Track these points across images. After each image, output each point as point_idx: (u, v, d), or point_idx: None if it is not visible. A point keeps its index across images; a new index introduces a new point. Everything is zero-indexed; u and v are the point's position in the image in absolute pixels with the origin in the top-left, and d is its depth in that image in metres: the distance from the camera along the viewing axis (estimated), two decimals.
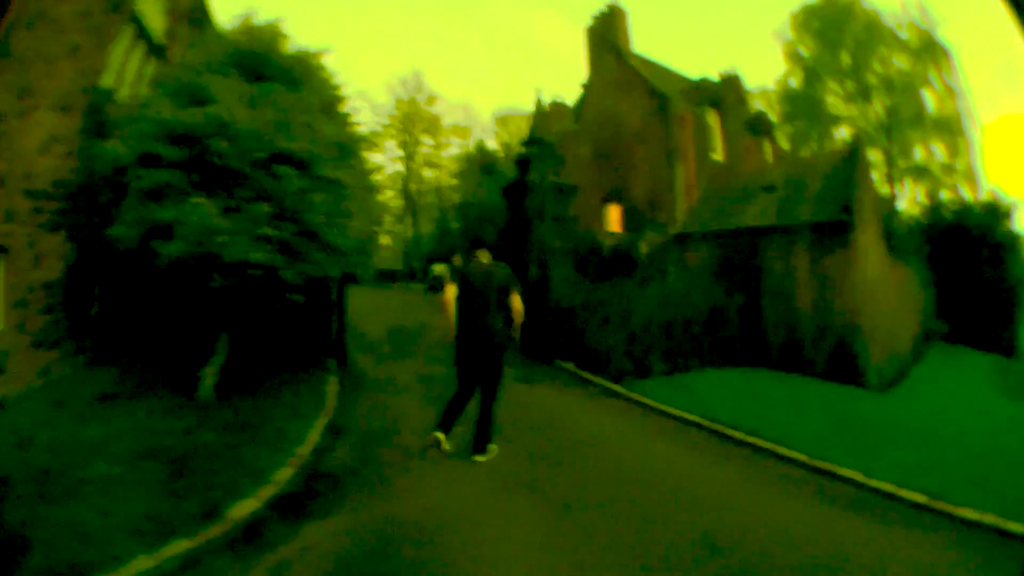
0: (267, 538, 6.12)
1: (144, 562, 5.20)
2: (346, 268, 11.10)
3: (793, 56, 55.10)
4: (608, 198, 29.60)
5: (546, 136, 21.29)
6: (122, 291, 11.98)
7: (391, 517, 6.81)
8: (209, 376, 10.48)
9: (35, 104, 9.83)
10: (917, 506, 7.84)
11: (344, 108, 12.45)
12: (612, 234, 26.64)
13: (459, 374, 9.22)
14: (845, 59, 51.44)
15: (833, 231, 18.84)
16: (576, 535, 6.45)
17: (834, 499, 8.11)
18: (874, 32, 50.23)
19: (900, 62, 49.89)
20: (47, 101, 10.13)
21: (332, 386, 12.63)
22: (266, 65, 10.78)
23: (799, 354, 19.18)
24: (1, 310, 9.38)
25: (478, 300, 8.90)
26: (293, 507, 6.92)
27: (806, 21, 53.75)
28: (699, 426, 11.48)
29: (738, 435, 10.78)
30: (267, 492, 6.98)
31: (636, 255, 22.79)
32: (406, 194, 69.34)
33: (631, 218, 27.90)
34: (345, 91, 12.50)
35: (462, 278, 9.03)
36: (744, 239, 21.34)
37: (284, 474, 7.57)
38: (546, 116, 22.24)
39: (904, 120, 48.69)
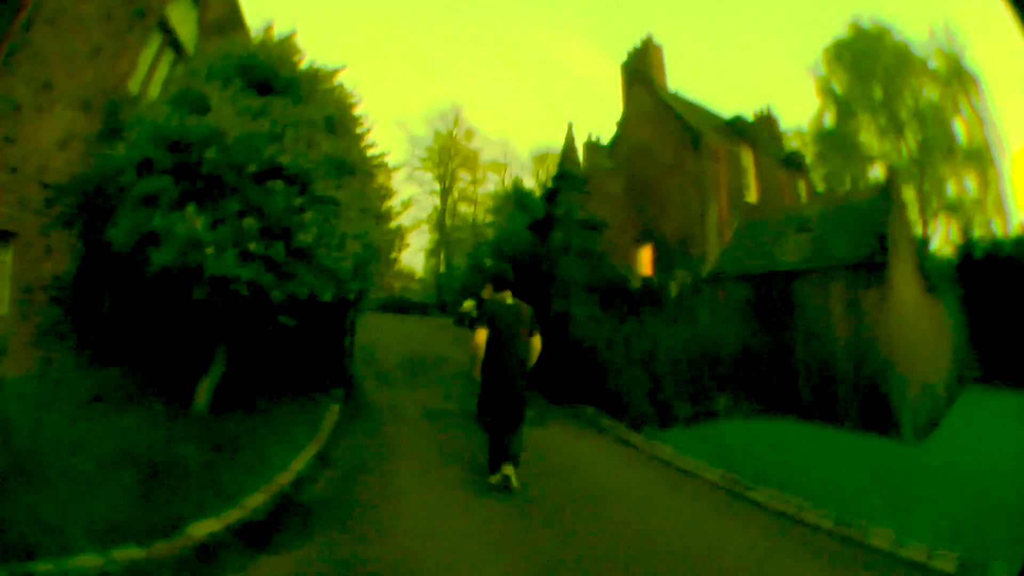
0: (218, 562, 6.03)
1: (92, 559, 5.38)
2: (341, 293, 10.65)
3: (826, 92, 54.29)
4: (641, 236, 29.28)
5: (575, 170, 20.95)
6: (128, 293, 11.83)
7: (354, 561, 6.39)
8: (203, 389, 10.41)
9: (54, 99, 9.96)
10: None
11: (358, 129, 12.29)
12: (641, 277, 26.32)
13: (488, 413, 9.83)
14: (877, 92, 50.45)
15: (868, 270, 18.24)
16: None
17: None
18: (904, 63, 49.48)
19: (930, 92, 49.02)
20: (66, 98, 10.26)
21: (332, 412, 12.39)
22: (274, 78, 10.75)
23: (832, 399, 18.33)
24: (7, 295, 9.48)
25: (504, 339, 8.99)
26: (255, 535, 6.69)
27: (838, 55, 53.10)
28: (717, 486, 10.50)
29: (763, 499, 9.59)
30: (233, 516, 6.83)
31: (664, 294, 22.34)
32: (441, 227, 69.50)
33: (663, 256, 27.51)
34: (361, 110, 12.42)
35: (490, 319, 9.05)
36: (778, 279, 20.85)
37: (255, 500, 7.38)
38: (575, 152, 21.80)
39: (936, 153, 47.82)
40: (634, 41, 35.11)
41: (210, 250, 8.54)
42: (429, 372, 17.23)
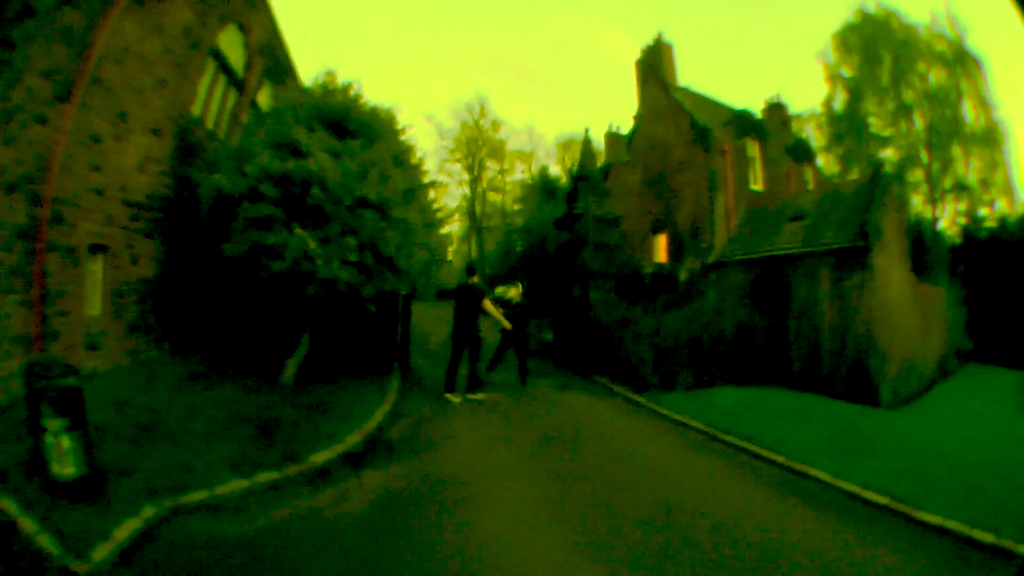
0: (335, 477, 8.60)
1: (239, 483, 7.45)
2: (412, 287, 13.74)
3: (835, 77, 53.18)
4: (656, 226, 30.69)
5: (592, 171, 23.06)
6: (212, 292, 14.27)
7: (432, 470, 9.25)
8: (291, 365, 12.83)
9: (129, 128, 11.69)
10: (878, 507, 8.43)
11: (414, 160, 14.55)
12: (656, 264, 28.54)
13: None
14: (885, 76, 49.79)
15: (852, 255, 19.63)
16: (568, 493, 8.61)
17: (799, 494, 9.22)
18: (911, 46, 48.89)
19: (936, 75, 48.27)
20: (140, 126, 12.06)
21: (394, 383, 14.75)
22: (347, 121, 12.92)
23: (819, 372, 19.97)
24: (99, 299, 11.21)
25: (468, 306, 14.57)
26: (357, 460, 9.39)
27: (846, 40, 52.26)
28: (699, 430, 13.09)
29: (730, 439, 12.20)
30: (338, 448, 9.44)
31: (675, 279, 24.75)
32: (471, 216, 70.35)
33: (676, 244, 28.98)
34: (412, 141, 14.66)
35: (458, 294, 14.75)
36: (773, 264, 22.37)
37: (352, 438, 10.00)
38: (591, 155, 23.85)
39: (943, 136, 47.19)
40: (652, 27, 35.39)
41: (320, 261, 11.03)
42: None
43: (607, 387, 17.63)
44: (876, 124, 50.55)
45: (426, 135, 79.68)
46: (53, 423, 6.36)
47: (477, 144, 71.09)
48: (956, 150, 47.57)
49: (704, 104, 32.80)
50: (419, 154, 14.95)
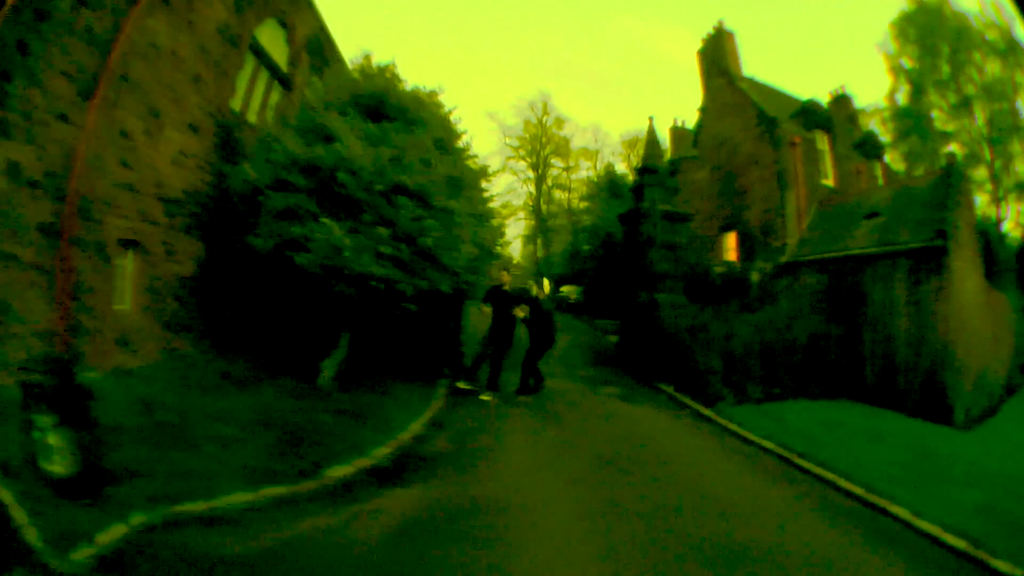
0: (353, 495, 7.58)
1: (242, 496, 6.79)
2: (456, 285, 12.37)
3: (896, 68, 51.87)
4: (726, 225, 29.76)
5: (659, 164, 21.94)
6: (251, 291, 13.61)
7: (467, 494, 8.12)
8: (329, 368, 12.22)
9: (162, 125, 11.38)
10: (956, 553, 7.79)
11: (460, 143, 13.65)
12: (725, 262, 27.07)
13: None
14: (944, 68, 48.33)
15: (928, 257, 18.56)
16: (621, 531, 7.29)
17: (879, 535, 8.24)
18: (965, 37, 47.17)
19: (992, 67, 46.41)
20: (174, 122, 11.76)
21: (442, 388, 14.07)
22: (384, 105, 12.27)
23: (893, 386, 18.72)
24: (131, 295, 10.98)
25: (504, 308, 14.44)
26: (383, 476, 8.43)
27: (904, 30, 50.77)
28: (771, 452, 11.94)
29: (806, 464, 11.05)
30: (363, 463, 8.61)
31: (745, 282, 23.27)
32: (537, 214, 70.26)
33: (746, 244, 28.08)
34: (461, 126, 13.82)
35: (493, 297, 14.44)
36: (847, 266, 21.18)
37: (382, 452, 9.17)
38: (657, 146, 22.67)
39: (1004, 131, 45.33)
40: (709, 17, 34.21)
41: (348, 253, 10.26)
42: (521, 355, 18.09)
43: (672, 397, 16.49)
44: (939, 118, 49.05)
45: (489, 132, 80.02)
46: (42, 419, 6.25)
47: (541, 141, 70.89)
48: (1016, 146, 45.80)
49: (769, 95, 31.65)
50: (466, 139, 13.99)
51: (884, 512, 8.96)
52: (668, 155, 35.10)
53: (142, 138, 10.85)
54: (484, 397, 13.97)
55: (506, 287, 14.42)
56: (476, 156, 14.33)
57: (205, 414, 9.00)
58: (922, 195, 20.85)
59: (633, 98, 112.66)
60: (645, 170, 21.49)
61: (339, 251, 10.33)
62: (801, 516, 8.72)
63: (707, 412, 14.76)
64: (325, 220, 10.41)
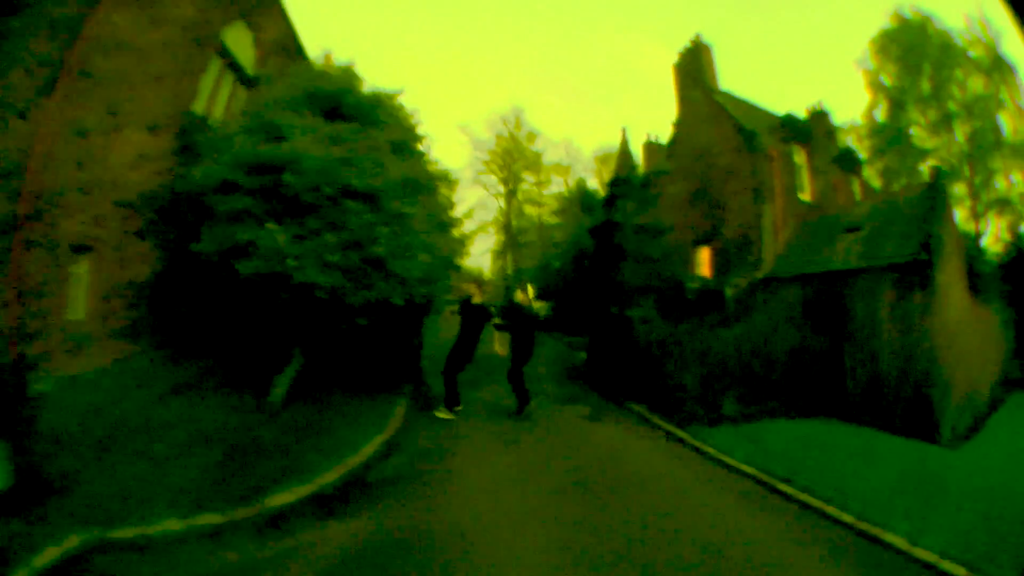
0: (291, 527, 7.03)
1: (173, 524, 6.40)
2: (410, 297, 11.51)
3: (875, 85, 52.29)
4: (701, 239, 29.11)
5: (632, 175, 21.40)
6: (206, 298, 12.85)
7: (416, 526, 7.41)
8: (281, 383, 11.50)
9: (121, 123, 11.08)
10: None
11: (420, 147, 13.12)
12: (699, 278, 26.40)
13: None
14: (925, 85, 48.61)
15: (913, 271, 17.98)
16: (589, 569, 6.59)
17: (877, 569, 7.60)
18: (948, 54, 47.58)
19: (974, 84, 46.82)
20: (134, 121, 11.45)
21: (400, 407, 13.18)
22: (341, 105, 11.68)
23: (878, 403, 18.05)
24: (83, 301, 10.67)
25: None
26: (326, 505, 7.83)
27: (885, 47, 51.23)
28: (751, 478, 11.08)
29: (790, 490, 10.23)
30: (306, 489, 7.96)
31: (722, 297, 22.56)
32: (507, 230, 69.73)
33: (721, 259, 27.39)
34: (422, 129, 13.24)
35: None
36: (828, 281, 20.70)
37: (327, 477, 8.48)
38: (630, 156, 22.15)
39: (984, 148, 45.65)
40: (685, 33, 34.19)
41: (292, 261, 9.57)
42: (494, 373, 17.49)
43: (644, 418, 15.59)
44: (919, 135, 49.36)
45: (460, 146, 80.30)
46: None
47: (512, 156, 70.61)
48: (998, 162, 46.15)
49: (746, 109, 31.33)
50: (429, 143, 13.47)
51: (877, 541, 8.30)
52: (641, 170, 34.41)
53: (100, 138, 10.62)
54: (440, 415, 13.29)
55: (475, 300, 13.68)
56: (439, 162, 13.79)
57: (149, 427, 8.78)
58: (905, 208, 20.47)
59: (606, 114, 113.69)
60: (618, 181, 21.09)
61: (283, 258, 9.67)
62: (789, 551, 7.86)
63: (681, 434, 13.85)
64: (270, 225, 9.77)
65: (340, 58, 12.73)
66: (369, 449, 9.95)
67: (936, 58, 47.80)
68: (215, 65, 14.49)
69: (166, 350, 12.52)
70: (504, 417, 13.76)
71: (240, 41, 15.33)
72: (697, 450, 12.79)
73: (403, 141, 12.20)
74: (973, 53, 46.90)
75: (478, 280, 14.84)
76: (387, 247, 10.39)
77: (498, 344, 14.78)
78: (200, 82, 13.75)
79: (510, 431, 12.73)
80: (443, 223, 13.04)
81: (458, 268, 13.93)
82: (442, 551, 6.68)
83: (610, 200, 20.99)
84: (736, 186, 26.88)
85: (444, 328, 18.75)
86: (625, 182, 20.68)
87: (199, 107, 13.83)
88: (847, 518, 8.96)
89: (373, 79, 12.73)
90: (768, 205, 25.37)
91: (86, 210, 10.41)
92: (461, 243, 13.96)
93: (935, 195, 19.70)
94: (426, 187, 12.35)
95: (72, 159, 9.93)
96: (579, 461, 11.01)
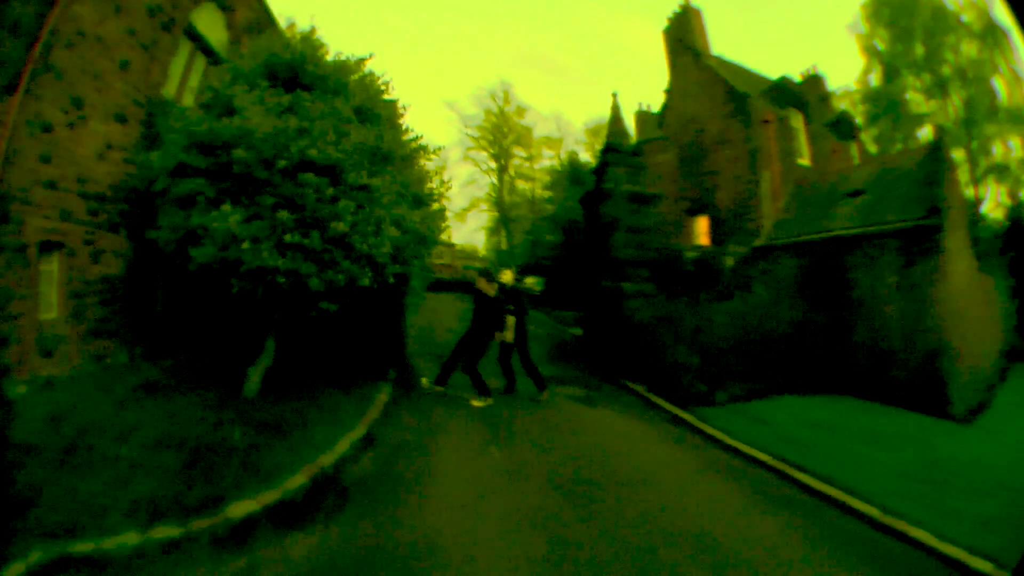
0: (250, 541, 6.28)
1: (130, 537, 5.72)
2: (381, 277, 10.77)
3: (870, 50, 52.37)
4: (695, 208, 28.66)
5: (623, 142, 20.42)
6: (179, 290, 12.52)
7: (384, 540, 6.60)
8: (254, 376, 10.72)
9: (86, 115, 10.55)
10: None
11: (391, 115, 12.33)
12: (697, 247, 25.60)
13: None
14: (919, 50, 48.61)
15: (920, 236, 17.32)
16: None
17: (905, 570, 6.93)
18: (940, 18, 47.32)
19: (968, 49, 46.82)
20: (99, 112, 10.88)
21: (383, 395, 12.39)
22: (301, 74, 10.99)
23: (884, 376, 17.35)
24: (55, 300, 10.16)
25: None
26: (291, 514, 6.94)
27: (877, 11, 50.97)
28: (759, 463, 10.36)
29: (803, 478, 9.50)
30: (270, 497, 7.04)
31: (718, 268, 21.81)
32: (499, 205, 69.94)
33: (717, 228, 26.89)
34: (399, 99, 12.60)
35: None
36: (829, 249, 19.89)
37: (295, 481, 7.54)
38: (621, 123, 21.09)
39: (980, 113, 45.66)
40: (672, 3, 33.38)
41: (246, 244, 8.78)
42: (489, 352, 16.41)
43: (643, 397, 14.86)
44: (914, 100, 49.62)
45: (448, 123, 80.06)
46: None
47: (502, 131, 70.84)
48: (993, 128, 46.39)
49: (739, 74, 30.68)
50: (402, 109, 12.61)
51: (903, 537, 7.69)
52: (634, 139, 33.82)
53: (64, 131, 10.14)
54: (477, 403, 12.88)
55: (485, 291, 13.37)
56: (417, 133, 12.85)
57: (115, 430, 8.02)
58: (908, 172, 19.81)
59: (597, 87, 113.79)
60: (609, 148, 20.02)
61: (237, 242, 8.94)
62: (809, 556, 7.06)
63: (683, 415, 13.10)
64: (225, 207, 8.97)
65: (306, 27, 11.90)
66: (344, 445, 9.08)
67: (928, 23, 47.75)
68: (185, 49, 14.00)
69: (142, 346, 12.05)
70: (493, 403, 13.00)
71: (211, 23, 14.84)
72: (702, 433, 12.04)
73: (369, 109, 11.45)
74: (965, 17, 46.67)
75: (487, 273, 14.05)
76: (350, 223, 9.57)
77: (508, 331, 13.97)
78: (170, 67, 13.25)
79: (497, 418, 11.98)
80: (418, 196, 12.23)
81: (435, 243, 13.10)
82: (414, 568, 5.97)
83: (601, 168, 20.03)
84: (730, 152, 26.39)
85: (426, 310, 17.89)
86: (616, 149, 19.69)
87: (169, 92, 13.37)
88: (872, 512, 8.29)
89: (355, 55, 11.84)
90: (765, 171, 24.80)
91: (54, 205, 9.99)
92: (440, 217, 13.08)
93: (938, 157, 19.09)
94: (398, 157, 11.55)
95: (37, 154, 9.52)
96: (573, 451, 10.23)
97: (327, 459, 8.36)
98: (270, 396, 10.66)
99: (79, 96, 10.33)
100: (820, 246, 20.26)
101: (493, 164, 70.88)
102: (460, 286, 36.47)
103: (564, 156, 66.08)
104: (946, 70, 47.44)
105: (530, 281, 41.42)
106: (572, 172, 49.42)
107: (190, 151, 9.60)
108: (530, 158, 72.70)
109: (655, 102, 37.41)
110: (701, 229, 28.23)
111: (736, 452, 10.91)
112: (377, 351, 14.39)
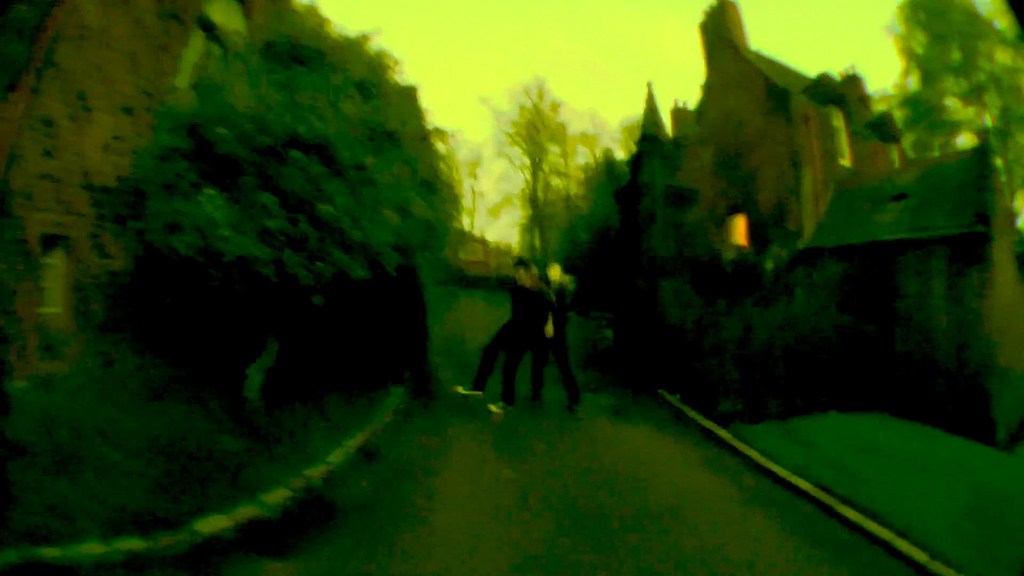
0: (216, 564, 5.73)
1: (96, 547, 5.49)
2: (381, 268, 9.81)
3: (907, 52, 51.07)
4: (733, 208, 27.55)
5: (660, 133, 19.28)
6: (187, 285, 11.17)
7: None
8: (254, 376, 10.10)
9: (91, 108, 9.98)
10: None
11: (404, 95, 11.87)
12: (736, 247, 24.68)
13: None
14: (955, 55, 47.30)
15: (968, 245, 16.31)
16: None
17: None
18: (974, 23, 46.11)
19: (1003, 57, 45.47)
20: (105, 105, 10.30)
21: (393, 401, 11.69)
22: (298, 49, 10.55)
23: (928, 395, 16.19)
24: (60, 296, 9.69)
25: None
26: (265, 536, 6.25)
27: (913, 13, 49.85)
28: (805, 495, 9.20)
29: (852, 515, 8.35)
30: (247, 512, 6.45)
31: (759, 272, 20.60)
32: (534, 203, 69.30)
33: (757, 230, 25.67)
34: (414, 84, 12.25)
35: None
36: (874, 254, 18.85)
37: (277, 496, 6.93)
38: (657, 113, 20.01)
39: (1015, 122, 44.60)
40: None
41: (225, 231, 8.13)
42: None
43: (676, 410, 13.74)
44: (952, 106, 48.72)
45: (482, 119, 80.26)
46: None
47: (536, 127, 70.03)
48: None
49: (778, 70, 29.56)
50: (415, 93, 12.32)
51: None
52: (670, 135, 33.03)
53: (67, 124, 9.58)
54: (494, 409, 11.87)
55: (523, 283, 12.41)
56: (428, 111, 12.53)
57: (109, 434, 7.54)
58: (954, 176, 18.72)
59: (631, 85, 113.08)
60: (644, 139, 18.86)
61: (214, 229, 8.27)
62: None
63: (722, 433, 11.91)
64: (208, 190, 8.48)
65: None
66: (339, 457, 8.36)
67: (963, 27, 46.61)
68: (198, 39, 13.41)
69: (151, 343, 11.07)
70: (514, 412, 11.92)
71: (227, 12, 14.20)
72: (741, 456, 10.88)
73: (374, 85, 10.66)
74: (999, 24, 45.03)
75: (525, 262, 13.08)
76: (342, 207, 8.67)
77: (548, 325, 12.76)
78: (182, 58, 12.75)
79: (517, 432, 10.90)
80: (429, 181, 11.32)
81: (446, 233, 12.19)
82: None
83: (636, 160, 18.91)
84: (770, 151, 25.20)
85: (463, 309, 17.16)
86: (653, 139, 18.58)
87: (182, 83, 12.74)
88: (920, 557, 7.36)
89: (394, 52, 11.08)
90: (806, 170, 23.67)
91: (57, 199, 9.45)
92: (454, 204, 12.16)
93: (985, 161, 18.20)
94: (408, 138, 10.69)
95: (39, 149, 8.99)
96: (597, 475, 9.09)
97: (317, 473, 7.76)
98: (271, 400, 9.93)
99: (85, 90, 9.80)
100: (865, 251, 19.29)
101: (527, 160, 70.15)
102: (491, 283, 35.59)
103: (599, 153, 64.93)
104: (981, 77, 46.36)
105: (565, 279, 40.04)
106: (608, 170, 47.48)
107: (176, 134, 9.13)
108: (564, 155, 71.69)
109: (690, 99, 37.00)
110: (738, 230, 27.14)
111: (775, 478, 9.86)
112: (394, 353, 13.46)
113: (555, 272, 13.52)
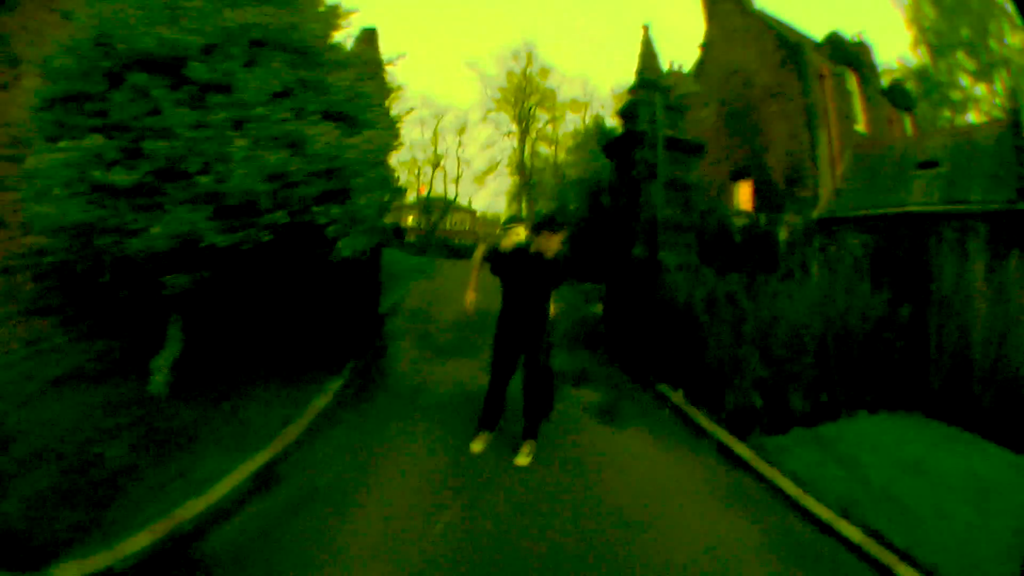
0: None
1: None
2: (232, 227, 7.36)
3: (916, 23, 50.34)
4: (738, 171, 25.87)
5: (659, 78, 16.71)
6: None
7: None
8: (160, 368, 8.85)
9: (22, 73, 10.03)
10: None
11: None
12: (745, 213, 22.20)
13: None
14: (965, 32, 46.76)
15: (1010, 223, 14.77)
16: None
17: None
18: (985, 2, 45.42)
19: (1013, 39, 44.73)
20: (36, 70, 9.24)
21: (323, 399, 9.49)
22: None
23: (965, 394, 13.86)
24: None
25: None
26: None
27: None
28: (859, 553, 6.85)
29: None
30: (97, 564, 5.11)
31: (770, 242, 18.28)
32: (522, 170, 68.47)
33: (765, 195, 23.89)
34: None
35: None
36: (904, 226, 16.72)
37: (136, 543, 5.42)
38: (654, 57, 17.47)
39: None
40: None
41: (58, 190, 6.62)
42: (486, 332, 12.06)
43: (681, 412, 10.96)
44: (960, 85, 48.69)
45: (469, 82, 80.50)
46: None
47: (525, 92, 69.70)
48: None
49: (784, 28, 27.74)
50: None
51: None
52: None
53: None
54: (474, 446, 8.37)
55: (504, 246, 8.93)
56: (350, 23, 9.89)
57: (4, 433, 7.03)
58: (989, 147, 17.65)
59: (624, 51, 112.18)
60: (643, 83, 16.19)
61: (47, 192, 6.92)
62: None
63: (739, 449, 9.24)
64: (63, 143, 7.02)
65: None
66: (232, 482, 6.54)
67: (972, 4, 46.65)
68: None
69: (79, 326, 10.60)
70: (467, 422, 9.21)
71: None
72: (767, 483, 8.33)
73: None
74: (1009, 6, 44.46)
75: (520, 219, 10.02)
76: (186, 142, 6.46)
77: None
78: None
79: (467, 452, 8.27)
80: (349, 114, 8.82)
81: (385, 182, 9.71)
82: None
83: (631, 108, 16.24)
84: (780, 107, 23.59)
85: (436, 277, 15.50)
86: (651, 84, 15.99)
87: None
88: None
89: (373, 18, 9.42)
90: (822, 132, 22.02)
91: None
92: (388, 145, 9.65)
93: (1020, 130, 16.92)
94: (323, 55, 8.53)
95: None
96: (572, 524, 6.54)
97: (193, 509, 5.99)
98: (184, 392, 8.75)
99: (15, 53, 9.90)
100: (893, 222, 17.52)
101: (515, 127, 69.55)
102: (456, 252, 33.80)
103: (590, 120, 63.99)
104: (991, 56, 45.96)
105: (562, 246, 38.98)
106: (598, 135, 46.70)
107: (50, 78, 7.75)
108: (554, 120, 71.19)
109: (685, 64, 35.74)
110: (744, 196, 25.47)
111: (814, 522, 7.43)
112: (342, 334, 11.66)
113: (519, 233, 10.74)
